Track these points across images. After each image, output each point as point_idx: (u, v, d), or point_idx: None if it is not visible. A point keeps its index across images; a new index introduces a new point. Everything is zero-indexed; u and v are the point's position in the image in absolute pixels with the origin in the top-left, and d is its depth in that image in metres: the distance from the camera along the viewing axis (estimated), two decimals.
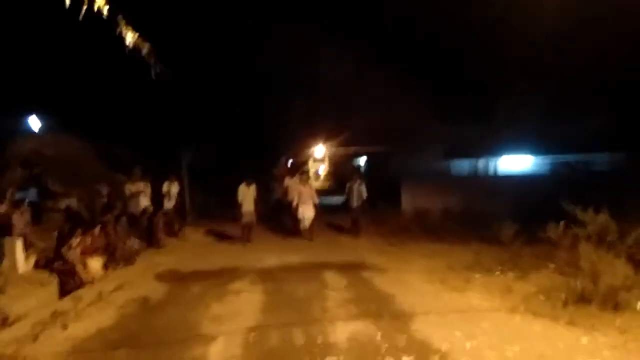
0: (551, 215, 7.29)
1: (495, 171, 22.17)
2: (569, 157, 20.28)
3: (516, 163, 22.43)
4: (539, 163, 21.96)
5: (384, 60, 18.10)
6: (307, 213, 12.78)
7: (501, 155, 22.42)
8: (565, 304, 5.95)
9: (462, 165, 23.37)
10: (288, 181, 14.53)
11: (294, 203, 12.96)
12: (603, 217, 6.82)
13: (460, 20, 15.33)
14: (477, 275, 7.83)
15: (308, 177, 14.47)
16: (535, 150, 21.44)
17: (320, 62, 18.76)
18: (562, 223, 7.12)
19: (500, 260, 8.41)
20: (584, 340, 4.98)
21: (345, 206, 14.21)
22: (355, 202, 13.38)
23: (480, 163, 22.75)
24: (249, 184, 12.54)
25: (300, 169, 23.15)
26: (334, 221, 15.23)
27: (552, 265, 7.40)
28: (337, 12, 19.30)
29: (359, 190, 13.34)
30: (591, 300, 5.85)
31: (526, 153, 22.05)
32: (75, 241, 8.48)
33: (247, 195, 12.48)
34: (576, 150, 19.65)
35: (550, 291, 6.40)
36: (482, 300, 6.66)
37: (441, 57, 18.98)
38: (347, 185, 13.75)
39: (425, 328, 5.47)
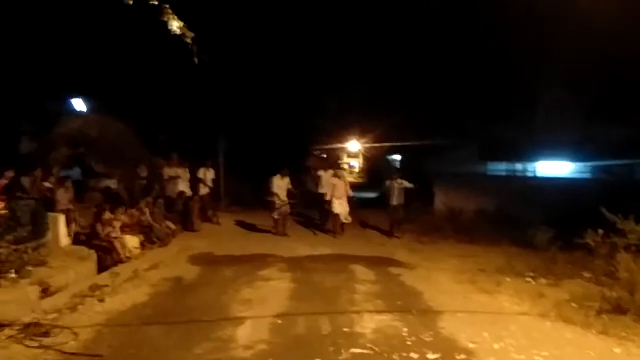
0: (589, 222, 7.09)
1: (534, 175, 21.62)
2: (610, 164, 19.56)
3: (555, 168, 21.81)
4: (579, 169, 21.29)
5: (423, 57, 17.89)
6: (342, 208, 12.43)
7: (539, 159, 21.84)
8: (599, 313, 5.81)
9: (499, 168, 22.89)
10: (322, 173, 14.45)
11: (328, 197, 12.74)
12: None
13: (501, 23, 14.98)
14: (509, 279, 7.72)
15: (343, 171, 14.34)
16: (575, 156, 20.77)
17: (357, 56, 18.71)
18: (600, 231, 6.93)
19: (533, 265, 8.27)
20: (617, 350, 4.86)
21: (380, 202, 13.76)
22: (395, 201, 12.71)
23: (518, 166, 22.24)
24: (283, 176, 12.54)
25: (333, 162, 23.17)
26: (366, 216, 15.16)
27: (587, 274, 7.23)
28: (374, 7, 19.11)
29: (400, 189, 12.66)
30: (627, 311, 5.70)
31: (565, 159, 21.40)
32: (108, 219, 8.74)
33: (281, 186, 12.50)
34: (617, 156, 18.93)
35: (584, 299, 6.28)
36: (512, 303, 6.57)
37: (481, 57, 18.61)
38: (387, 183, 13.17)
39: (452, 326, 5.44)
